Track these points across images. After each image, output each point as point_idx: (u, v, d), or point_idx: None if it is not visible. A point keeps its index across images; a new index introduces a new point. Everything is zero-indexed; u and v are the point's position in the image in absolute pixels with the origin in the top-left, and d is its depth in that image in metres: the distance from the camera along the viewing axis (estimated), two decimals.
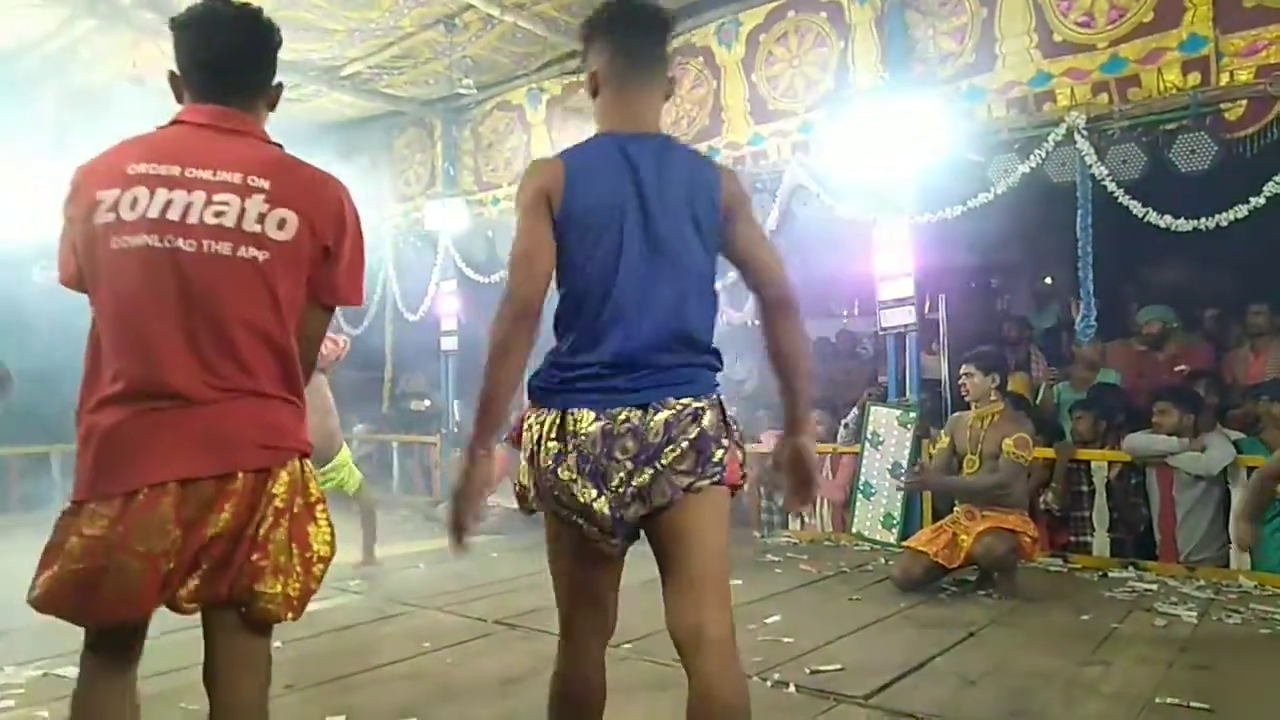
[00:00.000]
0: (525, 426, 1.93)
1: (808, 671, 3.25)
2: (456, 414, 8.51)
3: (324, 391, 5.11)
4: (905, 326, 5.94)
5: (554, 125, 7.85)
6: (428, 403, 9.46)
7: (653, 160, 1.89)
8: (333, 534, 1.81)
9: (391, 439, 8.94)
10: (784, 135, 6.44)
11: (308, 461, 1.77)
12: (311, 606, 4.54)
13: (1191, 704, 2.87)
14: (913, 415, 5.87)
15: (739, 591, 4.60)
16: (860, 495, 6.01)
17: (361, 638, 3.91)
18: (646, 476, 1.82)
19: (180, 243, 1.62)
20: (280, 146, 1.84)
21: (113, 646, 1.72)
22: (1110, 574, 4.91)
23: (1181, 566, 4.88)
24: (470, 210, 8.27)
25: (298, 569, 1.71)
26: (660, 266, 1.87)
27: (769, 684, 3.16)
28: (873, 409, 6.07)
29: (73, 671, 3.04)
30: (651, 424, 1.82)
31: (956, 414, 4.99)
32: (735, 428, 1.94)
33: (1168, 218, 4.88)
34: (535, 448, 1.88)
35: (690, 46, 6.93)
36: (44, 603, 1.66)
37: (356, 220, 1.84)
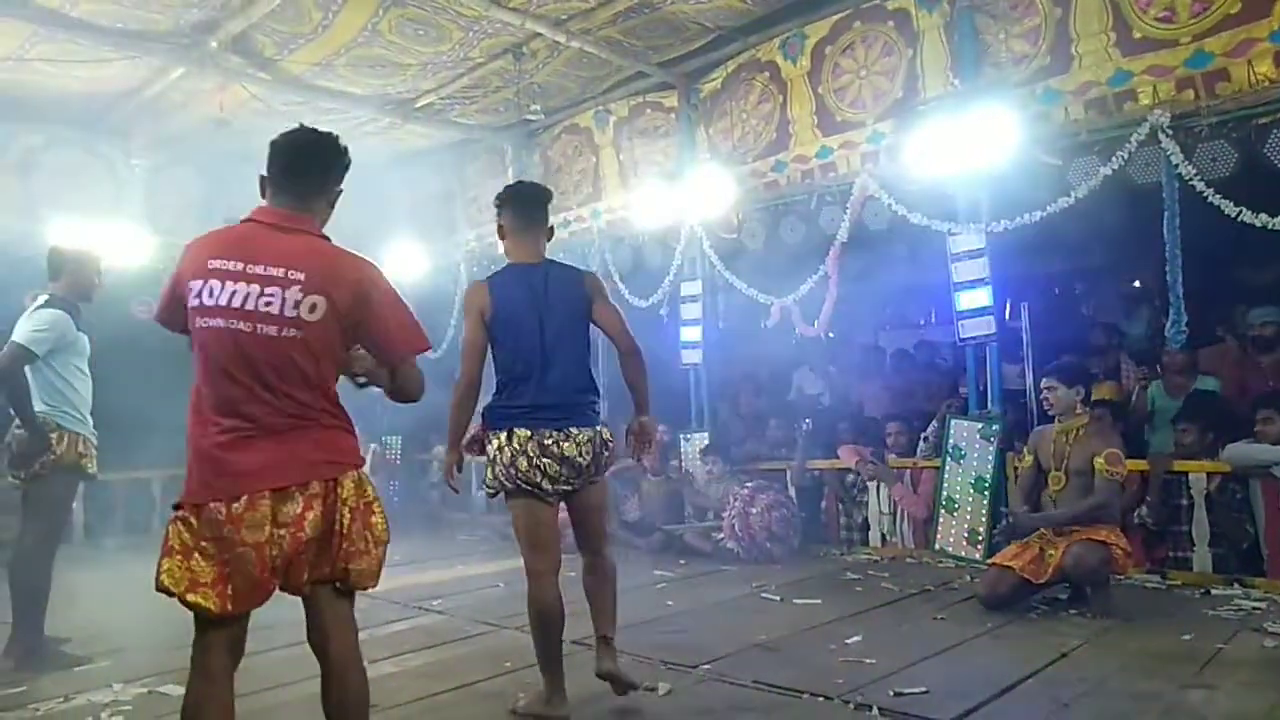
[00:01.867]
0: (486, 443, 3.17)
1: (891, 694, 3.17)
2: None
3: None
4: (985, 337, 5.79)
5: (621, 146, 7.93)
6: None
7: (542, 278, 3.19)
8: (387, 523, 2.34)
9: (471, 459, 9.06)
10: (853, 146, 6.37)
11: (363, 470, 2.32)
12: (396, 626, 4.69)
13: None
14: (995, 428, 5.71)
15: (819, 611, 4.56)
16: (943, 510, 5.85)
17: (443, 658, 3.98)
18: (569, 472, 3.12)
19: (240, 325, 2.16)
20: (327, 239, 2.33)
21: (229, 640, 2.19)
22: (1213, 591, 4.67)
23: None
24: None
25: (371, 549, 2.28)
26: (554, 345, 3.14)
27: (851, 706, 3.09)
28: (954, 422, 5.92)
29: (176, 690, 3.21)
30: (570, 441, 3.11)
31: (1039, 429, 4.82)
32: (610, 442, 3.27)
33: (1263, 215, 4.65)
34: (497, 454, 3.12)
35: (755, 62, 6.93)
36: (181, 591, 2.10)
37: (381, 288, 2.29)
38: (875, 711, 3.03)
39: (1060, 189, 5.39)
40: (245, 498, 2.09)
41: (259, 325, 2.15)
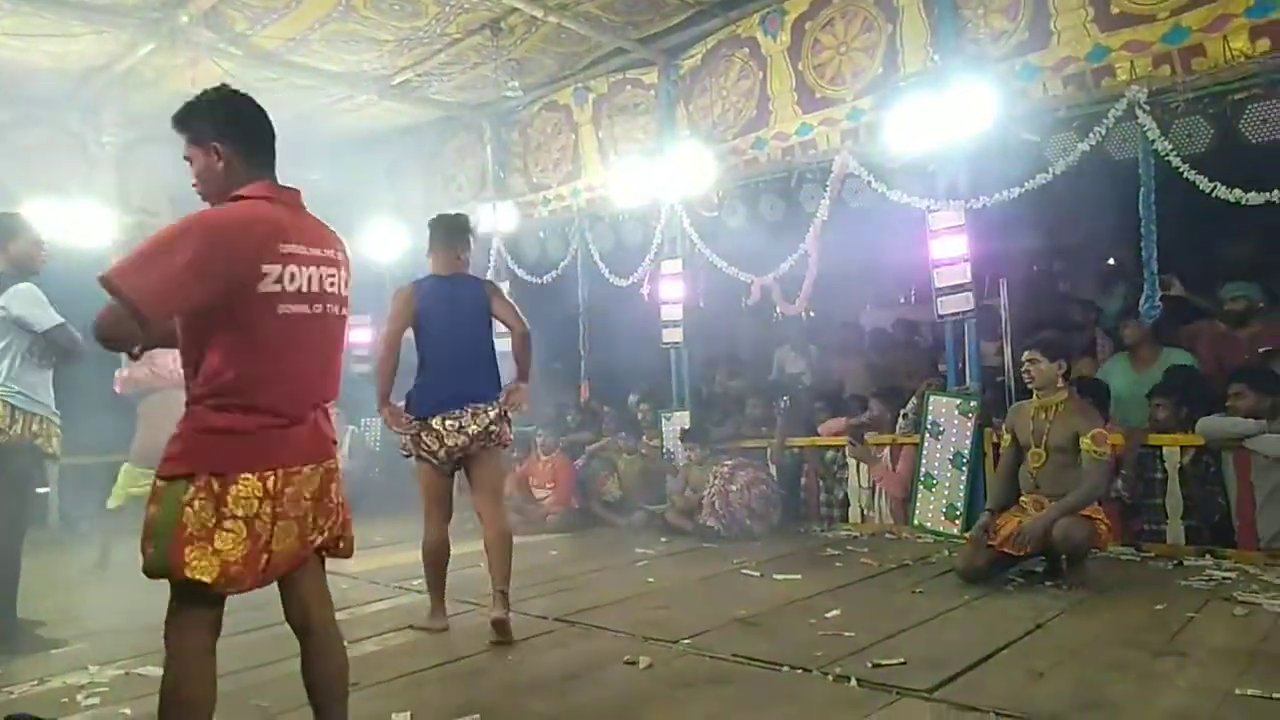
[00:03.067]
0: (409, 424, 3.98)
1: (869, 665, 3.20)
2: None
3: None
4: (963, 313, 5.82)
5: (600, 123, 7.88)
6: None
7: (455, 286, 4.09)
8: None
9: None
10: (833, 124, 6.36)
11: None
12: (376, 606, 4.68)
13: (1274, 695, 2.75)
14: (973, 404, 5.75)
15: (798, 586, 4.59)
16: (921, 487, 5.90)
17: (425, 636, 3.97)
18: (465, 440, 3.93)
19: (317, 309, 2.22)
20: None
21: (217, 618, 2.19)
22: (1186, 563, 4.74)
23: (1261, 554, 4.68)
24: (521, 212, 8.34)
25: (350, 519, 2.44)
26: (463, 339, 4.03)
27: (830, 678, 3.12)
28: (932, 398, 5.96)
29: (153, 671, 3.22)
30: (467, 415, 3.93)
31: (1016, 405, 4.85)
32: (507, 416, 4.07)
33: (1237, 191, 4.69)
34: (413, 432, 3.96)
35: (735, 38, 6.89)
36: (220, 582, 2.06)
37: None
38: (854, 683, 3.06)
39: (1038, 165, 5.41)
40: (281, 472, 2.14)
41: (327, 306, 2.24)
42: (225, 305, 2.06)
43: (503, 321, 4.13)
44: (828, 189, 6.24)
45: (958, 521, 5.64)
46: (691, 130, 7.18)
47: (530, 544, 6.38)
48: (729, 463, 6.29)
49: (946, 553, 5.25)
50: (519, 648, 3.71)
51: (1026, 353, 4.65)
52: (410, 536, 5.29)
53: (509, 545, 3.99)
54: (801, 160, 6.55)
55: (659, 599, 4.49)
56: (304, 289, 2.16)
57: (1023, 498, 4.64)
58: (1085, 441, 4.34)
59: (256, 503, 2.08)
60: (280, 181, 2.31)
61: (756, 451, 6.70)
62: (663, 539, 6.28)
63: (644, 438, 7.27)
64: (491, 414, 3.96)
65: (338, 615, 3.86)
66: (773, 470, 6.51)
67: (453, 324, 3.99)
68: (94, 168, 7.97)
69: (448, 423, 3.88)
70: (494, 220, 8.27)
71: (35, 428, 3.99)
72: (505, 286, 8.48)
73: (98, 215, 7.58)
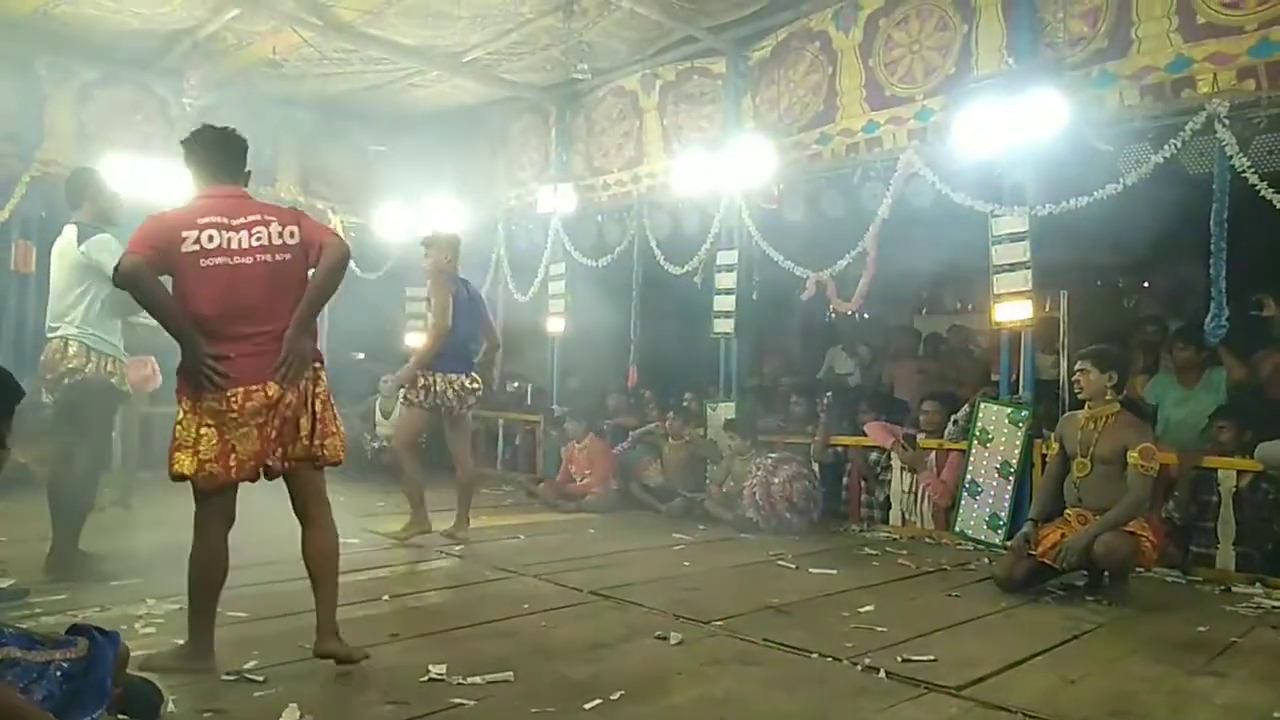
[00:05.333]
0: (420, 376, 5.50)
1: (899, 659, 3.20)
2: (555, 393, 8.70)
3: None
4: (1021, 322, 5.73)
5: (666, 111, 7.91)
6: (516, 384, 9.72)
7: (466, 285, 5.73)
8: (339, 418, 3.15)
9: (498, 416, 9.21)
10: (900, 122, 6.30)
11: (320, 364, 3.07)
12: (418, 567, 4.84)
13: None
14: (1024, 414, 5.67)
15: (833, 580, 4.60)
16: (966, 494, 5.84)
17: (463, 597, 4.08)
18: (456, 401, 5.57)
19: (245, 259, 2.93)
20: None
21: (227, 505, 2.95)
22: (1234, 589, 4.63)
23: None
24: (580, 195, 8.42)
25: (338, 430, 3.06)
26: (472, 325, 5.66)
27: (859, 668, 3.14)
28: (983, 405, 5.89)
29: None
30: (465, 378, 5.57)
31: (1067, 414, 4.79)
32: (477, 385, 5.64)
33: None
34: (426, 384, 5.51)
35: (807, 31, 6.86)
36: (201, 475, 2.84)
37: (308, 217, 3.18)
38: (882, 674, 3.07)
39: (1109, 175, 5.30)
40: (242, 389, 2.84)
41: (257, 256, 2.92)
42: (167, 264, 2.87)
43: (484, 325, 5.85)
44: (891, 187, 6.19)
45: (1000, 531, 5.58)
46: (756, 122, 7.18)
47: (569, 521, 6.49)
48: (773, 456, 6.29)
49: (986, 561, 5.21)
50: (552, 615, 3.79)
51: (1078, 363, 4.59)
52: (451, 504, 5.45)
53: (475, 483, 5.84)
54: (866, 157, 6.50)
55: (693, 581, 4.54)
56: (224, 246, 2.88)
57: (1066, 510, 4.57)
58: (1133, 455, 4.27)
59: (221, 414, 2.84)
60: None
61: (800, 447, 6.69)
62: (700, 526, 6.32)
63: (698, 429, 7.32)
64: (468, 384, 5.52)
65: (380, 573, 4.13)
66: (815, 467, 6.50)
67: (468, 315, 5.58)
68: (173, 128, 8.21)
69: (452, 381, 5.43)
70: (554, 202, 8.36)
71: (110, 367, 4.19)
72: (561, 268, 8.60)
73: (176, 173, 7.82)
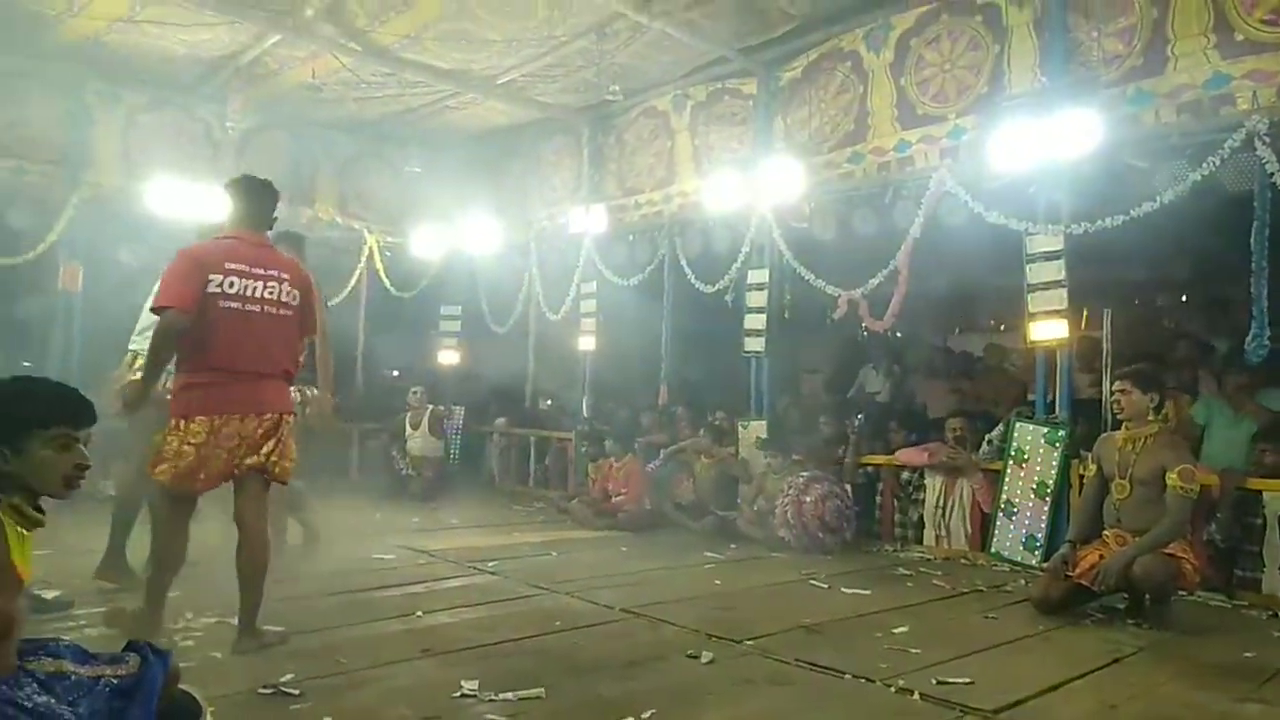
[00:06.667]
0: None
1: (934, 682, 3.16)
2: (586, 411, 8.73)
3: None
4: (1057, 341, 5.67)
5: (697, 131, 7.96)
6: (550, 402, 9.77)
7: None
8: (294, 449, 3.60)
9: (530, 433, 9.26)
10: (932, 141, 6.29)
11: (292, 412, 3.60)
12: (451, 583, 4.88)
13: None
14: (1061, 434, 5.59)
15: (867, 601, 4.56)
16: (1001, 514, 5.77)
17: (495, 614, 4.09)
18: None
19: (253, 308, 3.44)
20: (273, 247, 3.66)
21: (188, 506, 3.45)
22: None
23: None
24: (612, 214, 8.48)
25: (291, 458, 3.54)
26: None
27: (893, 690, 3.10)
28: (1018, 425, 5.82)
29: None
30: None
31: (1105, 435, 4.72)
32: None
33: None
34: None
35: (838, 51, 6.88)
36: (174, 483, 3.34)
37: (316, 289, 3.78)
38: (917, 697, 3.03)
39: (1145, 193, 5.24)
40: (225, 416, 3.34)
41: (265, 308, 3.44)
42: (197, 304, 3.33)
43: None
44: (923, 206, 6.17)
45: (1037, 553, 5.50)
46: (787, 142, 7.20)
47: (601, 539, 6.50)
48: (805, 475, 6.26)
49: (1023, 582, 5.13)
50: (584, 633, 3.79)
51: (1117, 382, 4.53)
52: (484, 521, 5.49)
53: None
54: (898, 176, 6.49)
55: (725, 600, 4.52)
56: (241, 293, 3.37)
57: (1105, 531, 4.50)
58: (1171, 477, 4.19)
59: (204, 435, 3.30)
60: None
61: (832, 466, 6.65)
62: (732, 545, 6.29)
63: (729, 448, 7.31)
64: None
65: (415, 589, 4.21)
66: (847, 486, 6.46)
67: None
68: (218, 151, 8.44)
69: None
70: (586, 222, 8.43)
71: (168, 384, 4.29)
72: (593, 286, 8.66)
73: (218, 196, 8.01)
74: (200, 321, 3.32)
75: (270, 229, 3.65)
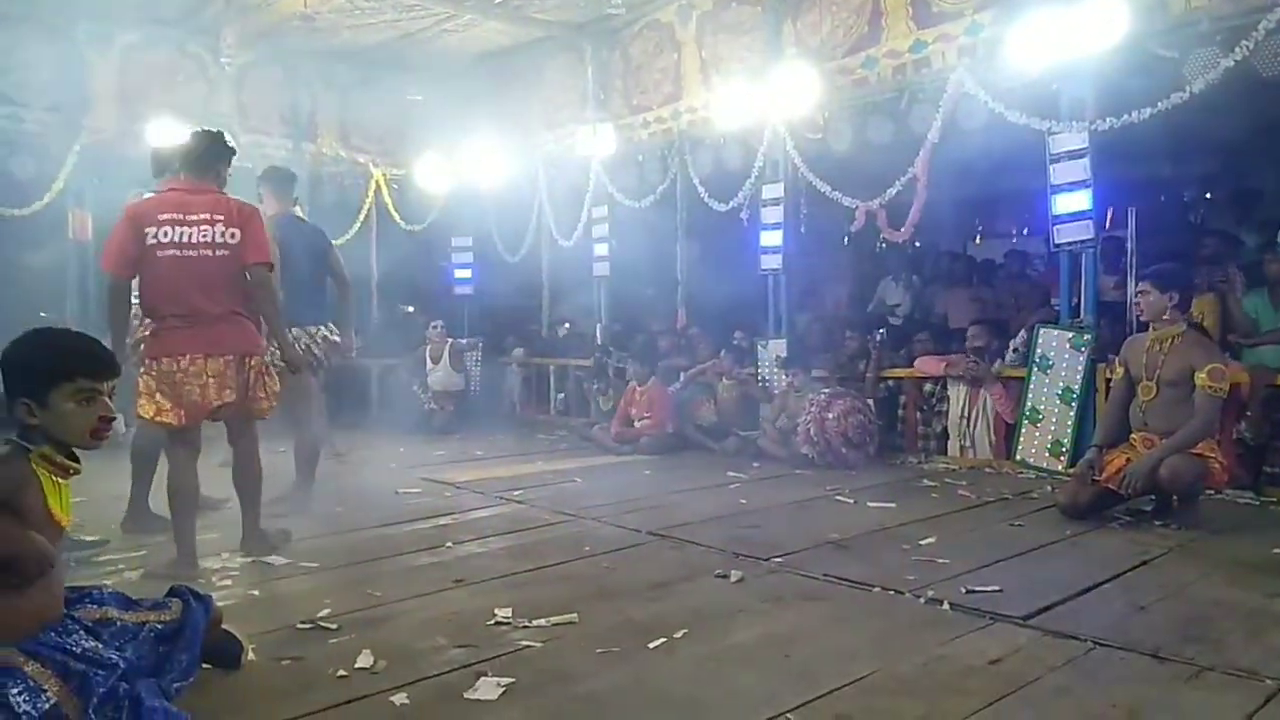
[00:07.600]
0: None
1: (963, 591, 3.18)
2: (599, 338, 8.69)
3: None
4: (1081, 243, 5.54)
5: (704, 42, 7.69)
6: (567, 326, 9.72)
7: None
8: (276, 385, 3.85)
9: (549, 362, 9.26)
10: (949, 39, 6.03)
11: (258, 352, 3.78)
12: (479, 513, 4.92)
13: None
14: (1087, 338, 5.51)
15: (892, 514, 4.57)
16: (1026, 421, 5.73)
17: (524, 542, 4.14)
18: None
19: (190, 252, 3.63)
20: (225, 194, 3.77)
21: (190, 442, 3.66)
22: None
23: None
24: (620, 134, 8.28)
25: (267, 397, 3.78)
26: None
27: (922, 600, 3.12)
28: (1042, 330, 5.73)
29: (278, 560, 3.51)
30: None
31: (1132, 337, 4.63)
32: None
33: None
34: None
35: None
36: (155, 420, 3.58)
37: (259, 222, 3.79)
38: (946, 606, 3.05)
39: (1174, 84, 5.03)
40: (187, 357, 3.56)
41: (201, 251, 3.61)
42: (136, 262, 3.60)
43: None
44: (940, 109, 5.96)
45: (1063, 458, 5.48)
46: (798, 49, 6.94)
47: (625, 464, 6.53)
48: (826, 391, 6.23)
49: (1049, 489, 5.12)
50: (613, 556, 3.83)
51: (1139, 284, 4.43)
52: (508, 451, 5.52)
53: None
54: (914, 79, 6.26)
55: (751, 519, 4.54)
56: (176, 240, 3.57)
57: (1132, 435, 4.45)
58: (1201, 376, 4.12)
59: (172, 374, 3.54)
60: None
61: (852, 382, 6.61)
62: (755, 464, 6.31)
63: (748, 368, 7.28)
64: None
65: (443, 520, 4.24)
66: (870, 401, 6.43)
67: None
68: (213, 88, 8.28)
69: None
70: (593, 143, 8.25)
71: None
72: (604, 210, 8.52)
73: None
74: (149, 273, 3.60)
75: (214, 176, 3.76)
